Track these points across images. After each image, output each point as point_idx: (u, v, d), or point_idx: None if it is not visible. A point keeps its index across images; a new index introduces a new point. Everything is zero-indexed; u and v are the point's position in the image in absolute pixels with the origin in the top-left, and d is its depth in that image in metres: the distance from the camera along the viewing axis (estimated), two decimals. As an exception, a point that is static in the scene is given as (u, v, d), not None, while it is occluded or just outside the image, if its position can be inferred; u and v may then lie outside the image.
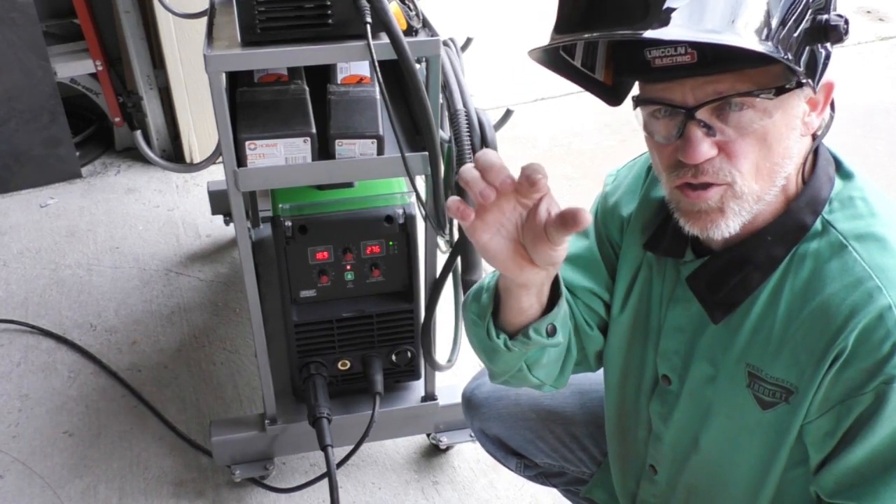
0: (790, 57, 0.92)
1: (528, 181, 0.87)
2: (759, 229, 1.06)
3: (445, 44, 1.71)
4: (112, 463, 2.08)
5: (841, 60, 4.09)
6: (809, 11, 0.95)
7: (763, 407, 1.09)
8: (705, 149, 0.97)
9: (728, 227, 1.01)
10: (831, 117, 1.06)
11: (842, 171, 1.09)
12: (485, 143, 1.57)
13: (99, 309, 2.58)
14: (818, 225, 1.04)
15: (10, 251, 2.86)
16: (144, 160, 3.24)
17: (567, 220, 0.87)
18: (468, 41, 1.83)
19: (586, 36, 0.97)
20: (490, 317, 1.10)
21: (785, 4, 0.92)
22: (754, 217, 1.03)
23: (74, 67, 3.16)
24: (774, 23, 0.91)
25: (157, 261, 2.80)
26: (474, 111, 1.57)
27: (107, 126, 3.42)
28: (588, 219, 0.86)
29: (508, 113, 1.64)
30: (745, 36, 0.90)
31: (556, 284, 1.07)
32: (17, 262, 2.80)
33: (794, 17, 0.93)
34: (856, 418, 1.00)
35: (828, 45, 0.97)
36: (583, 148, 3.45)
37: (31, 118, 3.10)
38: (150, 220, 3.02)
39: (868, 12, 4.63)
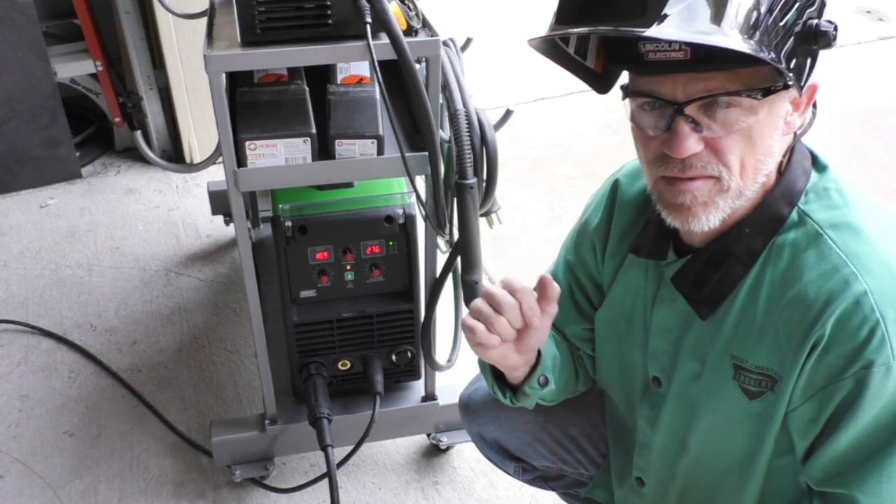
0: (774, 56, 0.94)
1: (544, 293, 1.10)
2: (737, 222, 1.08)
3: (445, 44, 1.71)
4: (112, 463, 2.08)
5: (841, 60, 4.09)
6: (801, 15, 0.97)
7: (750, 397, 1.10)
8: (692, 143, 1.00)
9: (709, 220, 1.05)
10: (813, 117, 1.09)
11: (817, 164, 1.12)
12: (485, 143, 1.57)
13: (99, 309, 2.59)
14: (794, 216, 1.07)
15: (10, 251, 2.86)
16: (144, 160, 3.24)
17: (543, 286, 1.10)
18: (468, 41, 1.83)
19: (586, 30, 0.99)
20: (495, 385, 1.30)
21: (775, 8, 0.95)
22: (733, 211, 1.06)
23: (74, 68, 3.16)
24: (763, 25, 0.94)
25: (157, 261, 2.80)
26: (474, 111, 1.57)
27: (107, 126, 3.42)
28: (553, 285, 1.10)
29: (508, 113, 1.64)
30: (734, 37, 0.92)
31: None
32: (18, 263, 2.80)
33: (783, 20, 0.95)
34: (838, 404, 1.02)
35: (815, 49, 0.99)
36: (583, 148, 3.45)
37: (31, 118, 3.10)
38: (151, 221, 3.02)
39: (868, 12, 4.63)
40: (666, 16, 0.91)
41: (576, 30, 1.00)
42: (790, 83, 0.98)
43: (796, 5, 0.97)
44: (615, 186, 1.30)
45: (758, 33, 0.93)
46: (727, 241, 1.09)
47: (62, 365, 2.38)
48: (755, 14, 0.93)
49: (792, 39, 0.96)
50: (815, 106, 1.08)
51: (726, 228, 1.09)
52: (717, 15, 0.93)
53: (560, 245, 1.43)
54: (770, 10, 0.94)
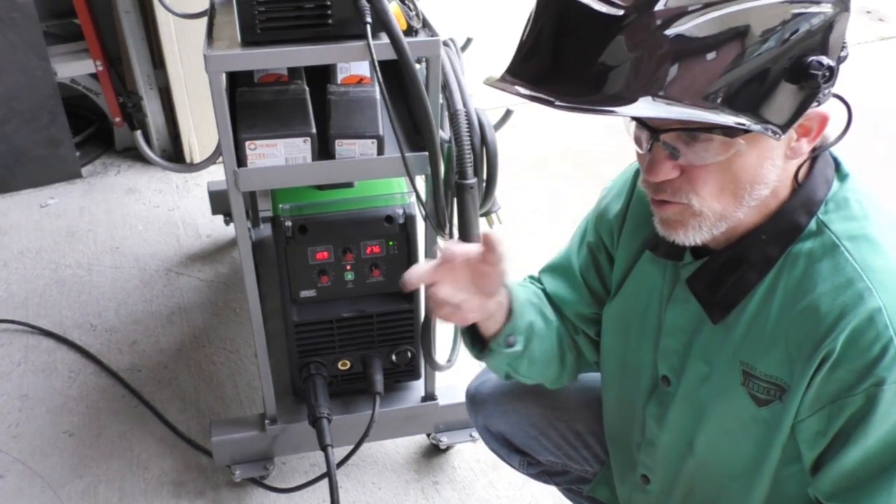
0: (742, 122, 0.91)
1: (489, 248, 1.10)
2: (753, 229, 1.07)
3: (445, 44, 1.71)
4: (112, 463, 2.08)
5: (841, 60, 4.08)
6: (785, 57, 0.92)
7: (758, 404, 1.10)
8: (665, 169, 1.00)
9: (687, 238, 1.05)
10: (844, 131, 1.05)
11: (839, 173, 1.09)
12: (485, 143, 1.57)
13: (99, 309, 2.59)
14: (813, 225, 1.05)
15: (10, 251, 2.86)
16: (144, 160, 3.24)
17: (487, 242, 1.09)
18: (468, 41, 1.83)
19: (526, 92, 1.01)
20: (468, 336, 1.29)
21: (746, 68, 0.90)
22: (740, 222, 1.05)
23: (74, 67, 3.16)
24: (732, 85, 0.90)
25: (157, 261, 2.80)
26: (474, 111, 1.57)
27: (107, 126, 3.42)
28: (496, 240, 1.09)
29: (508, 113, 1.64)
30: (693, 103, 0.90)
31: (510, 310, 1.24)
32: (18, 262, 2.80)
33: (759, 74, 0.91)
34: (847, 419, 1.01)
35: (802, 88, 0.94)
36: (583, 148, 3.45)
37: (31, 118, 3.09)
38: (151, 220, 3.02)
39: (868, 12, 4.63)
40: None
41: (521, 90, 1.00)
42: (766, 131, 0.93)
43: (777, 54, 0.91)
44: (637, 176, 1.27)
45: (727, 96, 0.90)
46: (743, 247, 1.08)
47: (62, 365, 2.38)
48: (727, 79, 0.89)
49: (777, 77, 0.92)
50: (850, 117, 1.03)
51: (742, 234, 1.08)
52: (683, 82, 0.89)
53: (562, 242, 1.42)
54: (746, 70, 0.90)
